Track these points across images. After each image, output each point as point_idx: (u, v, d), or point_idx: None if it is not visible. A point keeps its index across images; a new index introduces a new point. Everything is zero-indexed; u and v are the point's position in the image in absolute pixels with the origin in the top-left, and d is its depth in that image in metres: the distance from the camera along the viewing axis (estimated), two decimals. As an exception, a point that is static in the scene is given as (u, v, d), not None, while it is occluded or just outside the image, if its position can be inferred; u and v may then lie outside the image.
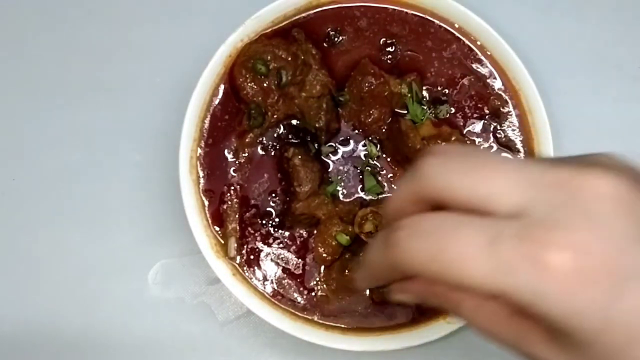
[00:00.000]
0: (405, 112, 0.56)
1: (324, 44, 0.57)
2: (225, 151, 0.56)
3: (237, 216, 0.56)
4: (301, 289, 0.56)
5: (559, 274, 0.26)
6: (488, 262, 0.26)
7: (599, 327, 0.26)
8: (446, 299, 0.30)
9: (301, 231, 0.56)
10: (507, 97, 0.58)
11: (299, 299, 0.56)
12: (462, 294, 0.29)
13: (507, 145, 0.57)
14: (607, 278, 0.26)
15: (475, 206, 0.27)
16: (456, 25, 0.58)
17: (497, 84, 0.58)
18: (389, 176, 0.57)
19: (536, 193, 0.27)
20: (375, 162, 0.57)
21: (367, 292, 0.56)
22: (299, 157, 0.55)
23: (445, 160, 0.28)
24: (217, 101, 0.56)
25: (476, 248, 0.26)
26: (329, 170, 0.57)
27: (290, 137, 0.57)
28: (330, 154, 0.57)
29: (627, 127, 0.64)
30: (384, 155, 0.57)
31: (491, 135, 0.57)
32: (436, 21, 0.58)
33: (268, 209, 0.56)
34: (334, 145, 0.57)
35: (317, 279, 0.56)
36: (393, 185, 0.57)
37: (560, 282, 0.26)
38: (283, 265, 0.56)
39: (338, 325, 0.55)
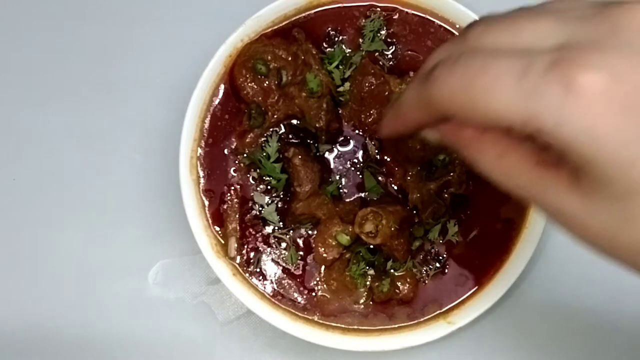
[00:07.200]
0: (406, 112, 0.56)
1: (324, 44, 0.57)
2: (225, 151, 0.56)
3: (237, 216, 0.56)
4: (301, 289, 0.56)
5: (588, 94, 0.24)
6: (516, 88, 0.26)
7: (623, 162, 0.25)
8: (471, 145, 0.30)
9: (301, 231, 0.56)
10: (507, 97, 0.58)
11: (299, 299, 0.56)
12: (488, 142, 0.29)
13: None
14: (637, 108, 0.25)
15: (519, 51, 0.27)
16: (456, 25, 0.58)
17: (497, 84, 0.58)
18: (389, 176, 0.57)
19: (575, 29, 0.27)
20: (375, 162, 0.57)
21: (366, 292, 0.56)
22: (299, 157, 0.55)
23: (488, 25, 0.29)
24: (217, 101, 0.56)
25: (507, 76, 0.26)
26: (329, 170, 0.57)
27: (290, 137, 0.57)
28: (330, 154, 0.57)
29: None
30: (384, 156, 0.57)
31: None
32: (436, 21, 0.58)
33: (268, 209, 0.56)
34: (334, 145, 0.57)
35: (317, 279, 0.56)
36: (393, 185, 0.57)
37: (587, 103, 0.24)
38: (283, 265, 0.56)
39: (338, 325, 0.55)
